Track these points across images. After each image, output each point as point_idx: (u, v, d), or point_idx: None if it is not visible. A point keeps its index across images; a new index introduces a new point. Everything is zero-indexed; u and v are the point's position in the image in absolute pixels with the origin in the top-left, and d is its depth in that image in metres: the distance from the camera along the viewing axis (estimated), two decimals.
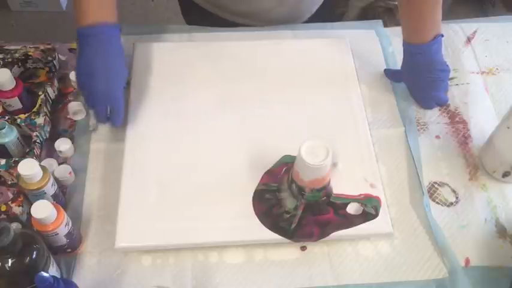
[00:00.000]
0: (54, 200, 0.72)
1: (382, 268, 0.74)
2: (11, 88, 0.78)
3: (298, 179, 0.70)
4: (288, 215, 0.73)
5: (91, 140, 0.83)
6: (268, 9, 0.98)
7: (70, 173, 0.78)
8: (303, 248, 0.75)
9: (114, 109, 0.77)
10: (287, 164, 0.76)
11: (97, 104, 0.76)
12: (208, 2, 1.01)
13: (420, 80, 0.87)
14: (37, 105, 0.81)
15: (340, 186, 0.76)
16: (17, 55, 0.85)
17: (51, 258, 0.66)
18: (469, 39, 1.00)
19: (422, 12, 0.81)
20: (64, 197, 0.77)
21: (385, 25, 1.02)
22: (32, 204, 0.65)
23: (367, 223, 0.74)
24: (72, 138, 0.82)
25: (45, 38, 0.89)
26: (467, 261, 0.75)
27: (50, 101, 0.85)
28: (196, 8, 1.03)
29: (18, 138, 0.77)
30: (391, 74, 0.93)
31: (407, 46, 0.85)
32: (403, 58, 0.88)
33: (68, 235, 0.69)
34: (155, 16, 1.91)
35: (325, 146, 0.68)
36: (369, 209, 0.74)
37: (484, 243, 0.77)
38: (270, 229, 0.73)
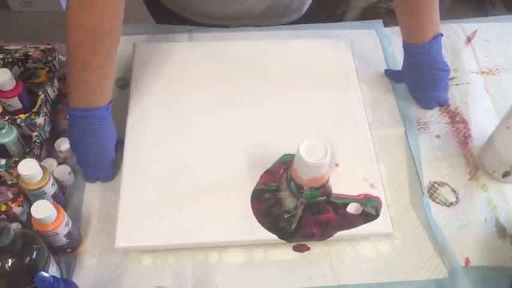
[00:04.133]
0: (54, 200, 0.72)
1: (382, 268, 0.74)
2: (11, 88, 0.78)
3: (297, 177, 0.70)
4: (288, 215, 0.73)
5: None
6: (244, 11, 0.98)
7: (70, 173, 0.78)
8: (301, 249, 0.75)
9: (103, 176, 0.79)
10: (286, 163, 0.76)
11: (88, 172, 0.79)
12: (175, 4, 1.01)
13: (421, 80, 0.87)
14: (37, 105, 0.81)
15: (340, 186, 0.75)
16: (17, 55, 0.85)
17: (51, 258, 0.66)
18: (469, 39, 1.00)
19: (420, 12, 0.81)
20: (64, 197, 0.77)
21: (386, 26, 1.02)
22: (32, 204, 0.65)
23: (367, 223, 0.74)
24: None
25: (45, 38, 0.90)
26: (467, 261, 0.75)
27: (50, 101, 0.85)
28: (167, 12, 1.03)
29: (18, 138, 0.77)
30: (391, 75, 0.93)
31: (407, 46, 0.85)
32: (404, 59, 0.87)
33: (68, 235, 0.69)
34: None
35: (324, 145, 0.68)
36: (369, 209, 0.74)
37: (484, 243, 0.77)
38: (268, 229, 0.73)
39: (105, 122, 0.75)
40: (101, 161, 0.77)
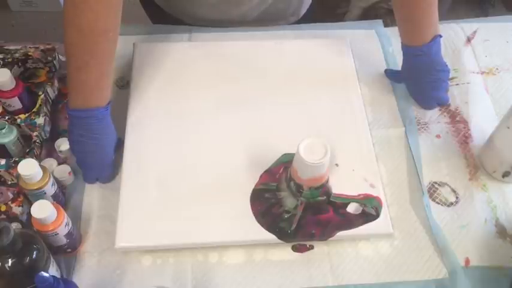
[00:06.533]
0: (54, 200, 0.72)
1: (382, 268, 0.74)
2: (11, 88, 0.78)
3: (297, 177, 0.70)
4: (288, 215, 0.73)
5: None
6: (242, 14, 0.98)
7: (70, 173, 0.78)
8: (301, 250, 0.75)
9: (102, 177, 0.79)
10: (286, 163, 0.76)
11: (87, 173, 0.79)
12: (171, 7, 1.01)
13: (421, 80, 0.87)
14: (37, 105, 0.81)
15: (340, 186, 0.76)
16: (17, 55, 0.85)
17: (51, 258, 0.66)
18: (469, 39, 1.00)
19: (418, 15, 0.81)
20: (64, 197, 0.77)
21: (387, 26, 1.02)
22: (32, 204, 0.65)
23: (367, 224, 0.74)
24: None
25: (45, 38, 0.89)
26: (467, 261, 0.75)
27: (50, 101, 0.85)
28: (166, 16, 1.03)
29: (18, 138, 0.77)
30: (391, 75, 0.93)
31: (406, 48, 0.85)
32: (403, 60, 0.87)
33: (68, 235, 0.69)
34: None
35: (324, 144, 0.68)
36: (369, 209, 0.74)
37: (484, 243, 0.77)
38: (268, 230, 0.73)
39: (104, 123, 0.75)
40: (99, 162, 0.77)
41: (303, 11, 1.04)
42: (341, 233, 0.73)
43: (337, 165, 0.79)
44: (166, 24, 1.00)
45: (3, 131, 0.75)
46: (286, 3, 1.00)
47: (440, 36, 0.83)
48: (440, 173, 0.83)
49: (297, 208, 0.73)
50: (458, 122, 0.89)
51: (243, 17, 0.98)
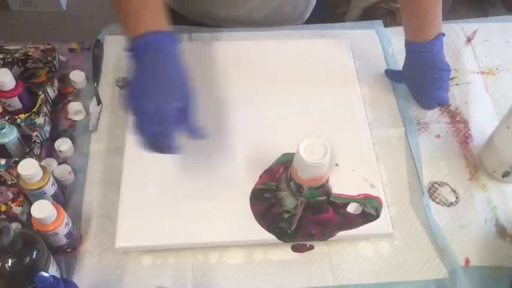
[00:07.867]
0: (54, 200, 0.72)
1: (382, 268, 0.74)
2: (11, 88, 0.78)
3: (297, 177, 0.70)
4: (288, 215, 0.73)
5: (91, 140, 0.83)
6: (247, 14, 0.98)
7: (70, 172, 0.78)
8: (300, 250, 0.75)
9: (186, 109, 0.64)
10: (286, 162, 0.76)
11: (161, 104, 0.62)
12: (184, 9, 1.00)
13: (422, 79, 0.87)
14: (37, 105, 0.81)
15: (340, 186, 0.76)
16: (17, 55, 0.85)
17: (51, 258, 0.66)
18: (469, 39, 1.00)
19: (425, 11, 0.82)
20: (64, 197, 0.77)
21: (387, 26, 1.02)
22: (32, 204, 0.65)
23: (367, 224, 0.74)
24: (72, 138, 0.82)
25: (45, 38, 0.89)
26: (467, 261, 0.75)
27: (50, 101, 0.85)
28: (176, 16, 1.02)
29: (18, 138, 0.77)
30: (391, 75, 0.93)
31: (410, 45, 0.85)
32: (406, 58, 0.88)
33: (68, 235, 0.69)
34: None
35: (324, 144, 0.68)
36: (370, 209, 0.74)
37: (484, 243, 0.77)
38: (268, 230, 0.73)
39: (172, 48, 0.67)
40: (176, 82, 0.64)
41: (307, 15, 1.04)
42: (341, 233, 0.73)
43: (337, 165, 0.79)
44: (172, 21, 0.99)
45: (3, 131, 0.75)
46: (293, 7, 1.00)
47: (444, 34, 0.83)
48: (440, 173, 0.83)
49: (297, 208, 0.73)
50: (458, 122, 0.89)
51: (249, 16, 0.98)
